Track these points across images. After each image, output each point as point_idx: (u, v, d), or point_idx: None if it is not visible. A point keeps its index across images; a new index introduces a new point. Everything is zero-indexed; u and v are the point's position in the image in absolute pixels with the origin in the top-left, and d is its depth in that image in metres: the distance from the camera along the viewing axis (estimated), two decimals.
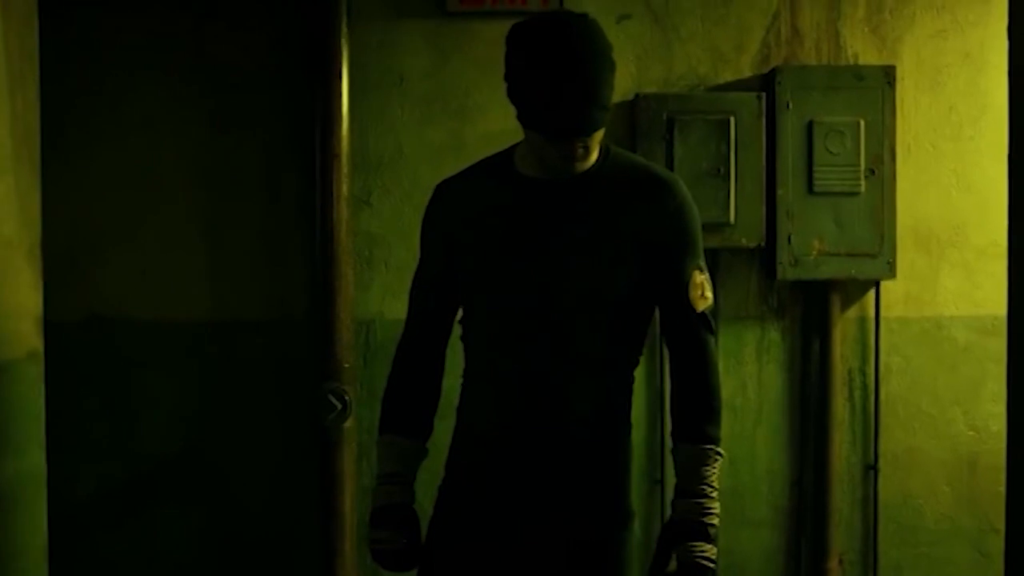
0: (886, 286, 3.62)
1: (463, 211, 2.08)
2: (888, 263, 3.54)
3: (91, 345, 3.53)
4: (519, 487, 2.03)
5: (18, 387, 2.25)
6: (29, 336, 2.30)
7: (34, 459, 2.30)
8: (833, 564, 3.63)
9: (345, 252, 3.48)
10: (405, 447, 2.12)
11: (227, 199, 3.57)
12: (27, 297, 2.30)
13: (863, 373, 3.67)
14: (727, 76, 3.62)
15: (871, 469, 3.66)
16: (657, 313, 2.11)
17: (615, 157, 2.08)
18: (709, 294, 2.07)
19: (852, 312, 3.66)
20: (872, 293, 3.63)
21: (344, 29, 3.51)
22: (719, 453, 2.04)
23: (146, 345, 3.57)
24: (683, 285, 2.04)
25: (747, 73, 3.61)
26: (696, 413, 2.06)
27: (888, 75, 3.53)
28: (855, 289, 3.63)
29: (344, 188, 3.48)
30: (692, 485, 2.01)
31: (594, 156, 2.02)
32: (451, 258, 2.09)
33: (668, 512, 2.18)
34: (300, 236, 3.54)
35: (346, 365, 3.47)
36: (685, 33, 3.62)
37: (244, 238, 3.57)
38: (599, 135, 1.98)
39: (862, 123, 3.50)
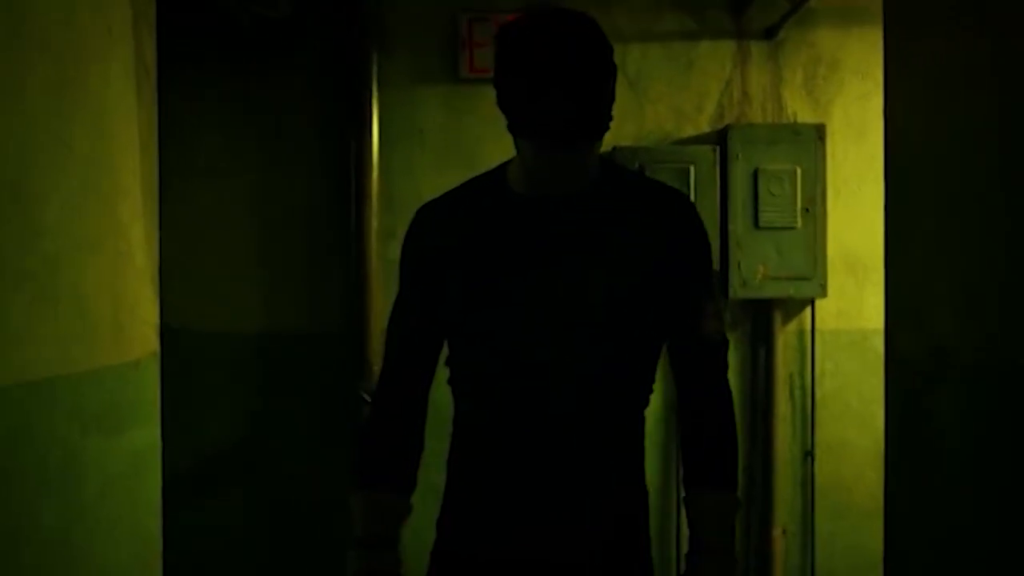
0: (820, 304, 4.38)
1: (453, 235, 1.85)
2: (821, 285, 4.30)
3: (163, 353, 4.24)
4: (537, 545, 1.82)
5: (145, 377, 2.97)
6: (151, 340, 3.03)
7: (154, 431, 3.03)
8: (777, 534, 4.37)
9: (375, 276, 4.22)
10: (389, 504, 1.85)
11: (277, 232, 4.32)
12: (150, 311, 3.03)
13: (801, 376, 4.42)
14: (688, 131, 4.39)
15: (808, 456, 4.41)
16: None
17: (616, 172, 1.89)
18: (722, 324, 1.89)
19: (792, 326, 4.42)
20: (808, 310, 4.39)
21: (375, 91, 4.26)
22: (739, 501, 1.86)
23: (209, 353, 4.29)
24: (697, 313, 1.84)
25: (705, 129, 4.38)
26: (719, 456, 1.85)
27: (819, 131, 4.29)
28: (794, 306, 4.40)
29: (374, 223, 4.22)
30: (721, 540, 1.81)
31: (591, 170, 1.82)
32: (439, 289, 1.85)
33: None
34: (338, 263, 4.28)
35: (375, 369, 4.19)
36: (654, 96, 4.39)
37: (291, 264, 4.31)
38: (595, 147, 1.79)
39: (799, 170, 4.26)
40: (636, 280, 1.79)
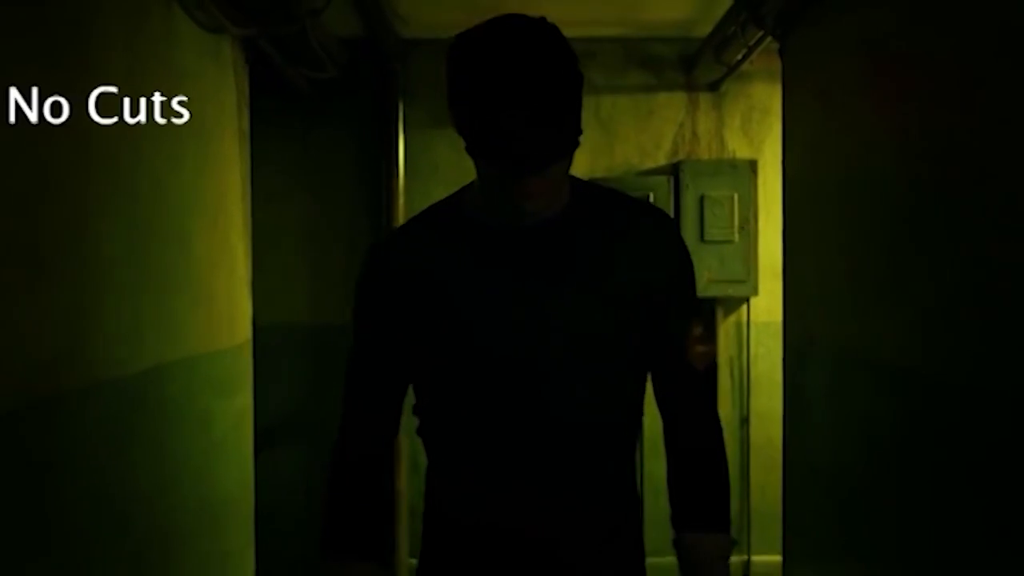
0: (753, 301, 5.49)
1: (415, 271, 1.69)
2: (754, 287, 5.41)
3: None
4: None
5: (244, 356, 4.09)
6: (247, 330, 4.14)
7: (249, 397, 4.14)
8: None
9: None
10: (362, 574, 1.74)
11: (323, 246, 5.43)
12: (247, 308, 4.14)
13: (739, 359, 5.54)
14: (649, 165, 5.50)
15: (745, 422, 5.53)
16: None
17: (589, 191, 1.72)
18: (708, 347, 1.76)
19: (732, 319, 5.54)
20: (744, 306, 5.51)
21: (401, 134, 5.38)
22: (734, 540, 1.75)
23: (269, 340, 5.39)
24: (681, 338, 1.71)
25: (662, 163, 5.50)
26: (711, 495, 1.73)
27: (752, 165, 5.41)
28: (733, 304, 5.52)
29: None
30: None
31: (564, 192, 1.67)
32: (402, 331, 1.70)
33: None
34: None
35: None
36: (622, 136, 5.51)
37: (333, 271, 5.43)
38: (564, 167, 1.62)
39: (736, 196, 5.38)
40: (616, 308, 1.66)
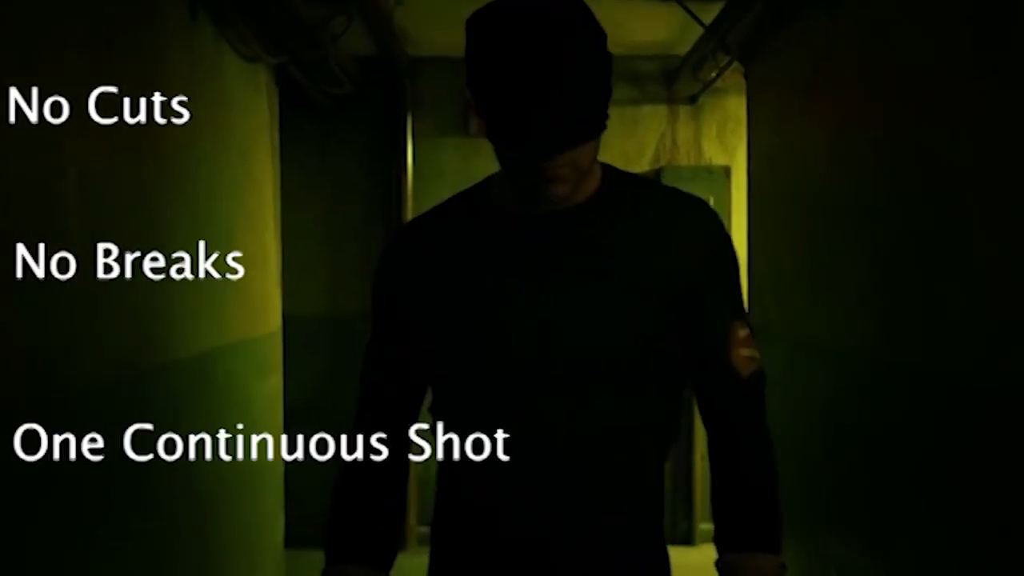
0: None
1: (431, 262, 1.61)
2: None
3: None
4: None
5: (275, 343, 4.66)
6: (277, 319, 4.72)
7: (280, 378, 4.72)
8: (698, 459, 6.08)
9: None
10: None
11: (338, 245, 6.01)
12: (277, 301, 4.72)
13: None
14: (634, 170, 6.04)
15: None
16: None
17: (621, 179, 1.63)
18: (756, 352, 1.60)
19: None
20: None
21: (409, 142, 5.96)
22: (784, 565, 1.59)
23: (291, 331, 5.96)
24: (725, 341, 1.58)
25: (646, 169, 6.08)
26: (759, 514, 1.59)
27: (727, 171, 5.99)
28: None
29: None
30: None
31: (593, 179, 1.57)
32: (417, 325, 1.63)
33: None
34: None
35: None
36: (609, 145, 6.03)
37: (348, 267, 6.00)
38: (591, 150, 1.50)
39: (711, 199, 5.94)
40: (653, 307, 1.55)
